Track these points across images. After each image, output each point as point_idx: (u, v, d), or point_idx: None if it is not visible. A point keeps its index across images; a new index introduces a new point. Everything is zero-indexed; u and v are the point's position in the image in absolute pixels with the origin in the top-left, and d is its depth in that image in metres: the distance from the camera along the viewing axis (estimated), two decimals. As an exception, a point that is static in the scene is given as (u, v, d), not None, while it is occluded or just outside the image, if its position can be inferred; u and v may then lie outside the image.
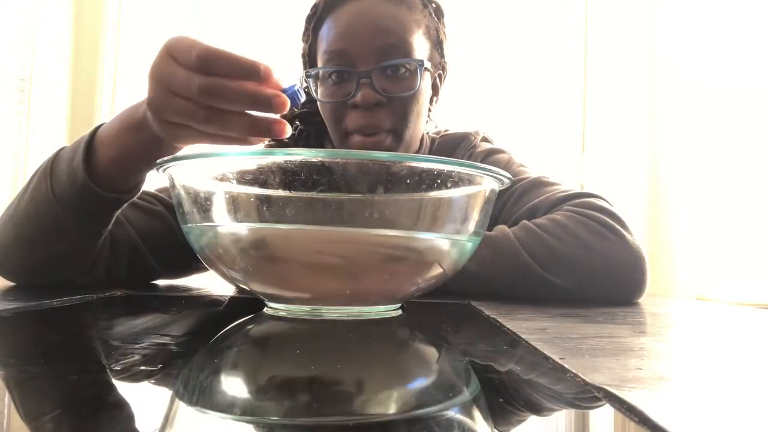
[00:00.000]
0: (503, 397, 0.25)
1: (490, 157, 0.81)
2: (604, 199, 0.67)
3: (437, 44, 0.79)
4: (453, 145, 0.83)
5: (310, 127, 0.84)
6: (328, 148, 0.82)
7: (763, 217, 1.69)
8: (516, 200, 0.72)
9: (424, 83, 0.74)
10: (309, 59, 0.79)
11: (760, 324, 0.49)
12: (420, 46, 0.73)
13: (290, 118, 0.86)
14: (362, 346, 0.36)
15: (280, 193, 0.42)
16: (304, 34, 0.80)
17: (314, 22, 0.76)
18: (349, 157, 0.40)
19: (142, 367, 0.28)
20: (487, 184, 0.44)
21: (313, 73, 0.74)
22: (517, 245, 0.61)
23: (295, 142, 0.84)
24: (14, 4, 1.71)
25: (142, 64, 1.86)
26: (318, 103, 0.77)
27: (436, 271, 0.43)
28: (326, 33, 0.73)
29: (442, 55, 0.81)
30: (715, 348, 0.38)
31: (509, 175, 0.44)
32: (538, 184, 0.72)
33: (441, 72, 0.82)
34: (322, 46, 0.73)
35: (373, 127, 0.71)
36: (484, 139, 0.86)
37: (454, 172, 0.40)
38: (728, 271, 1.69)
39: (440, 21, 0.80)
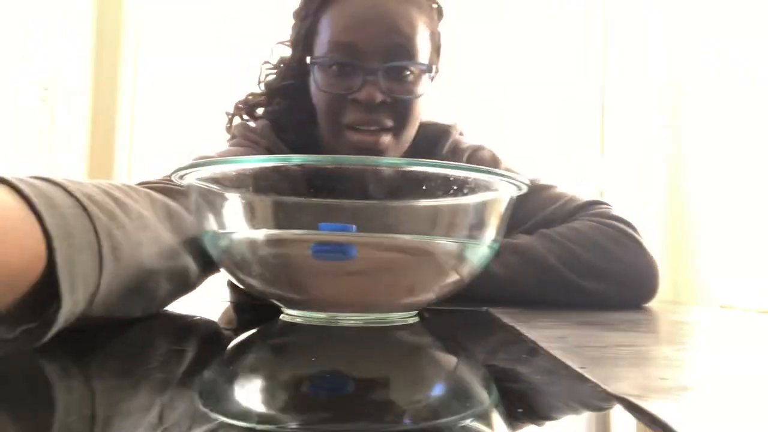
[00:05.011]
0: (523, 407, 0.25)
1: (476, 153, 0.81)
2: (612, 207, 0.70)
3: (436, 48, 0.78)
4: (435, 138, 0.81)
5: (292, 105, 0.79)
6: (317, 135, 0.78)
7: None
8: (515, 204, 0.71)
9: (425, 87, 0.74)
10: (305, 40, 0.75)
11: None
12: (424, 49, 0.72)
13: (273, 89, 0.81)
14: (379, 353, 0.36)
15: (296, 199, 0.42)
16: (301, 11, 0.76)
17: (318, 3, 0.73)
18: (366, 163, 0.40)
19: (160, 374, 0.28)
20: (506, 190, 0.43)
21: (318, 60, 0.71)
22: (543, 252, 0.63)
23: (277, 122, 0.78)
24: (36, 18, 1.74)
25: (162, 75, 1.88)
26: (312, 89, 0.74)
27: (453, 277, 0.43)
28: (332, 20, 0.71)
29: (437, 60, 0.79)
30: (740, 358, 0.37)
31: (528, 182, 0.43)
32: (537, 188, 0.72)
33: (435, 75, 0.80)
34: (326, 33, 0.71)
35: (373, 122, 0.70)
36: (460, 134, 0.85)
37: (470, 178, 0.40)
38: (754, 278, 1.66)
39: (439, 23, 0.79)
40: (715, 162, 1.68)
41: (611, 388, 0.25)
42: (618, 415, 0.23)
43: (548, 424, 0.23)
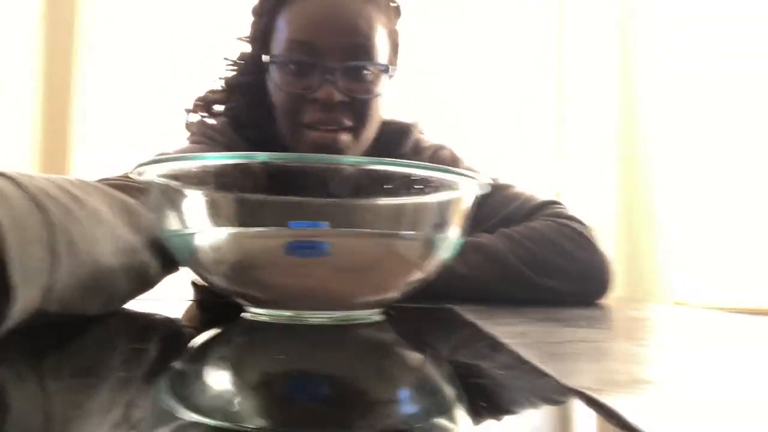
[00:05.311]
0: (485, 402, 0.25)
1: (437, 153, 0.82)
2: (567, 208, 0.73)
3: (395, 47, 0.78)
4: (397, 137, 0.82)
5: (251, 102, 0.77)
6: (276, 132, 0.76)
7: (742, 221, 1.71)
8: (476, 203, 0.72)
9: (384, 87, 0.74)
10: (263, 38, 0.74)
11: (737, 328, 0.50)
12: (382, 48, 0.73)
13: (231, 86, 0.79)
14: (345, 351, 0.36)
15: (260, 196, 0.41)
16: (258, 8, 0.75)
17: (275, 0, 0.72)
18: (330, 162, 0.40)
19: (121, 374, 0.28)
20: (469, 189, 0.44)
21: (276, 59, 0.71)
22: (504, 250, 0.65)
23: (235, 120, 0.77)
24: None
25: (118, 68, 1.83)
26: (271, 87, 0.73)
27: (417, 275, 0.43)
28: (290, 18, 0.70)
29: (395, 58, 0.79)
30: (696, 353, 0.38)
31: (490, 182, 0.44)
32: (497, 188, 0.73)
33: (393, 74, 0.80)
34: (284, 31, 0.71)
35: (332, 122, 0.70)
36: (421, 132, 0.86)
37: (434, 178, 0.40)
38: (707, 276, 1.71)
39: (396, 22, 0.79)
40: (669, 162, 1.74)
41: (570, 382, 0.26)
42: (577, 408, 0.23)
43: (509, 418, 0.23)
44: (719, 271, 1.71)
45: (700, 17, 1.76)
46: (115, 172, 0.55)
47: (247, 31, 0.78)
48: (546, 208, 0.72)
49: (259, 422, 0.21)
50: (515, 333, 0.40)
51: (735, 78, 1.75)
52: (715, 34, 1.75)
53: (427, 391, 0.27)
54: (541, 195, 0.76)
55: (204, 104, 0.82)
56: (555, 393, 0.25)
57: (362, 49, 0.70)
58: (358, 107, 0.71)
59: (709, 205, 1.74)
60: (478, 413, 0.23)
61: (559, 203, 0.74)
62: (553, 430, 0.23)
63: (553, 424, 0.23)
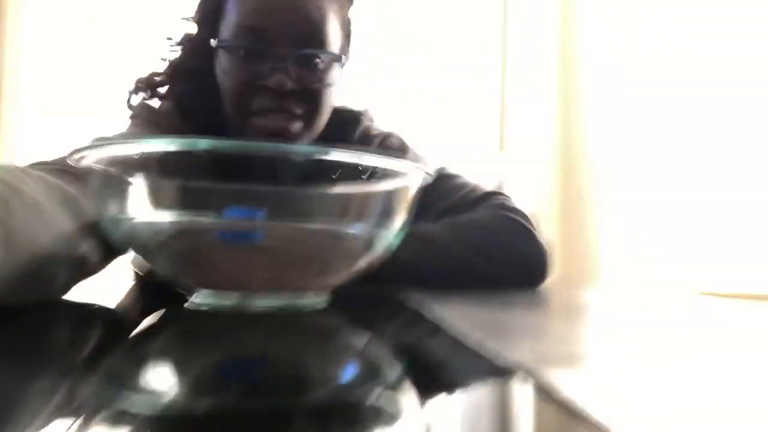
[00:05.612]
0: (428, 379, 0.26)
1: (386, 140, 0.82)
2: (510, 198, 0.75)
3: (347, 35, 0.77)
4: (346, 124, 0.81)
5: (197, 86, 0.75)
6: (224, 119, 0.73)
7: (673, 206, 1.82)
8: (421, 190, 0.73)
9: (336, 76, 0.73)
10: (211, 20, 0.72)
11: (665, 304, 0.53)
12: (335, 37, 0.72)
13: (176, 69, 0.76)
14: (289, 337, 0.36)
15: (203, 184, 0.41)
16: None
17: None
18: (277, 150, 0.40)
19: (58, 361, 0.27)
20: (413, 178, 0.45)
21: (224, 44, 0.69)
22: (447, 239, 0.66)
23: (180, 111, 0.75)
24: None
25: (55, 34, 1.73)
26: (218, 72, 0.71)
27: (360, 263, 0.44)
28: (242, 1, 0.68)
29: (348, 47, 0.78)
30: (625, 330, 0.40)
31: (432, 171, 0.45)
32: (443, 177, 0.75)
33: (345, 62, 0.78)
34: (234, 15, 0.69)
35: (282, 110, 0.69)
36: (371, 120, 0.86)
37: (380, 166, 0.41)
38: (640, 256, 1.82)
39: (349, 10, 0.78)
40: (605, 152, 1.82)
41: (508, 359, 0.27)
42: (515, 383, 0.25)
43: (451, 393, 0.24)
44: (652, 251, 1.82)
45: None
46: (51, 155, 0.54)
47: (193, 10, 0.75)
48: (489, 198, 0.73)
49: (201, 405, 0.22)
50: (456, 315, 0.41)
51: (676, 64, 1.84)
52: (656, 17, 1.83)
53: (371, 371, 0.28)
54: (486, 185, 0.77)
55: (146, 86, 0.78)
56: (494, 369, 0.27)
57: (314, 38, 0.68)
58: (310, 96, 0.70)
59: (638, 192, 1.84)
60: (421, 390, 0.24)
61: (502, 194, 0.75)
62: (493, 402, 0.24)
63: (493, 397, 0.24)
